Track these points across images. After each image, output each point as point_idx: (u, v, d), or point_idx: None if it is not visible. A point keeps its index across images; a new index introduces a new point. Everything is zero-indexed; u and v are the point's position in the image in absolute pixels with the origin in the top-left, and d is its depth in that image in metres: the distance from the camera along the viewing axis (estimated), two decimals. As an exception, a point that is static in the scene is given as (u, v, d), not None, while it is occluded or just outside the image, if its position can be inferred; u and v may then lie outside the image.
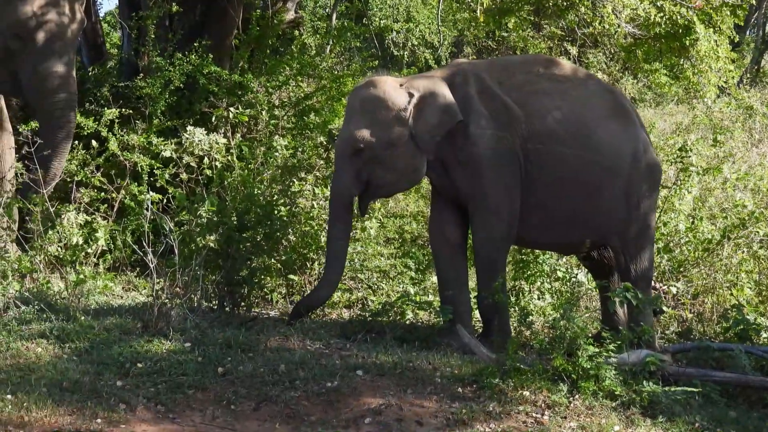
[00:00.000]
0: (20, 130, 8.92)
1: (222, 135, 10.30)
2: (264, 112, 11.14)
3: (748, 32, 22.88)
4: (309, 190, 9.56)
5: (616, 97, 8.32)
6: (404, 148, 7.88)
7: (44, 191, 8.56)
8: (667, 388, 6.89)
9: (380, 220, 10.10)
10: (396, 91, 7.94)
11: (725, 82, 14.17)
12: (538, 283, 9.19)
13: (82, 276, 7.97)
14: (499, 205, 7.92)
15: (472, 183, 7.94)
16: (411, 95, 7.89)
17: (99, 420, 6.14)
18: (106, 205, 9.16)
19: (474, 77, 8.06)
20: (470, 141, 7.88)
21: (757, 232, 9.52)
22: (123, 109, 10.40)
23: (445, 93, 7.89)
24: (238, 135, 10.84)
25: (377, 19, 14.38)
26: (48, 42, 8.83)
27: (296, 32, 13.66)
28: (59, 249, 8.26)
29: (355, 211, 8.15)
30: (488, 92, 7.99)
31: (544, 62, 8.44)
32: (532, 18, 15.37)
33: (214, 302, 8.47)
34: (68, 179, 9.59)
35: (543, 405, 6.69)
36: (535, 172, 7.94)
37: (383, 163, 7.92)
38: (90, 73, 11.89)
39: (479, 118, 7.90)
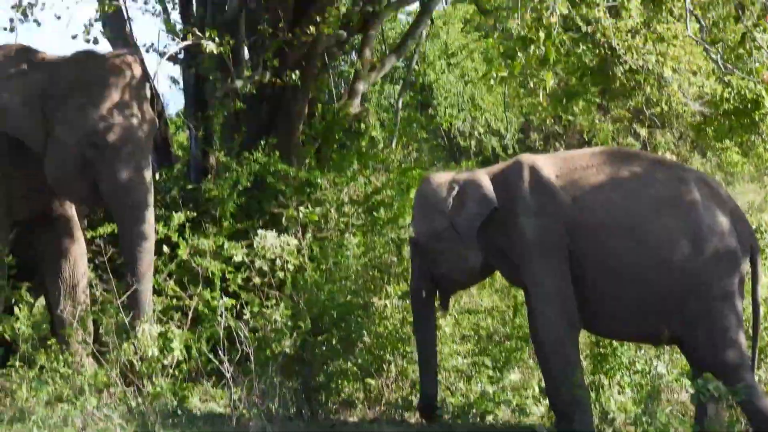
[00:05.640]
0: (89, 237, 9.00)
1: (293, 236, 10.20)
2: (333, 210, 11.08)
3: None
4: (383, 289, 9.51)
5: (682, 184, 8.10)
6: (448, 239, 8.20)
7: (119, 301, 8.51)
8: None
9: (455, 316, 9.95)
10: (441, 185, 8.39)
11: (798, 157, 13.98)
12: (618, 377, 8.98)
13: (158, 388, 7.93)
14: (550, 293, 7.98)
15: (524, 274, 8.11)
16: (452, 188, 8.27)
17: None
18: (179, 313, 9.10)
19: (529, 169, 8.20)
20: (518, 231, 8.06)
21: None
22: (190, 212, 10.37)
23: (483, 183, 8.20)
24: (309, 235, 10.71)
25: (442, 107, 14.33)
26: (123, 147, 8.85)
27: (362, 125, 13.57)
28: (136, 361, 8.22)
29: None
30: (540, 184, 8.12)
31: (612, 154, 8.45)
32: (599, 100, 15.29)
33: (292, 410, 8.38)
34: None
35: (631, 506, 6.56)
36: (590, 265, 7.96)
37: (435, 255, 8.31)
38: (159, 177, 11.93)
39: (527, 209, 8.06)
